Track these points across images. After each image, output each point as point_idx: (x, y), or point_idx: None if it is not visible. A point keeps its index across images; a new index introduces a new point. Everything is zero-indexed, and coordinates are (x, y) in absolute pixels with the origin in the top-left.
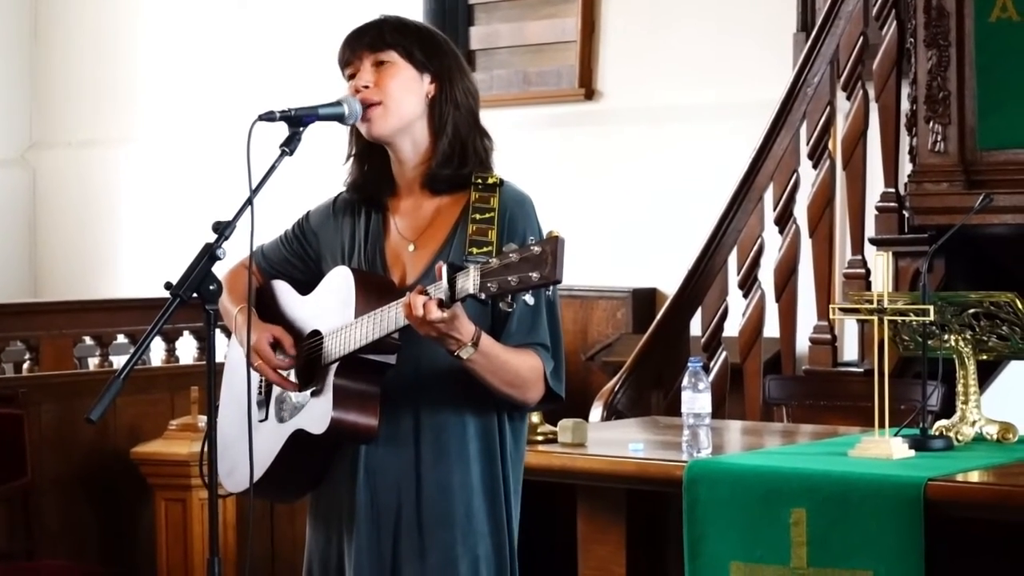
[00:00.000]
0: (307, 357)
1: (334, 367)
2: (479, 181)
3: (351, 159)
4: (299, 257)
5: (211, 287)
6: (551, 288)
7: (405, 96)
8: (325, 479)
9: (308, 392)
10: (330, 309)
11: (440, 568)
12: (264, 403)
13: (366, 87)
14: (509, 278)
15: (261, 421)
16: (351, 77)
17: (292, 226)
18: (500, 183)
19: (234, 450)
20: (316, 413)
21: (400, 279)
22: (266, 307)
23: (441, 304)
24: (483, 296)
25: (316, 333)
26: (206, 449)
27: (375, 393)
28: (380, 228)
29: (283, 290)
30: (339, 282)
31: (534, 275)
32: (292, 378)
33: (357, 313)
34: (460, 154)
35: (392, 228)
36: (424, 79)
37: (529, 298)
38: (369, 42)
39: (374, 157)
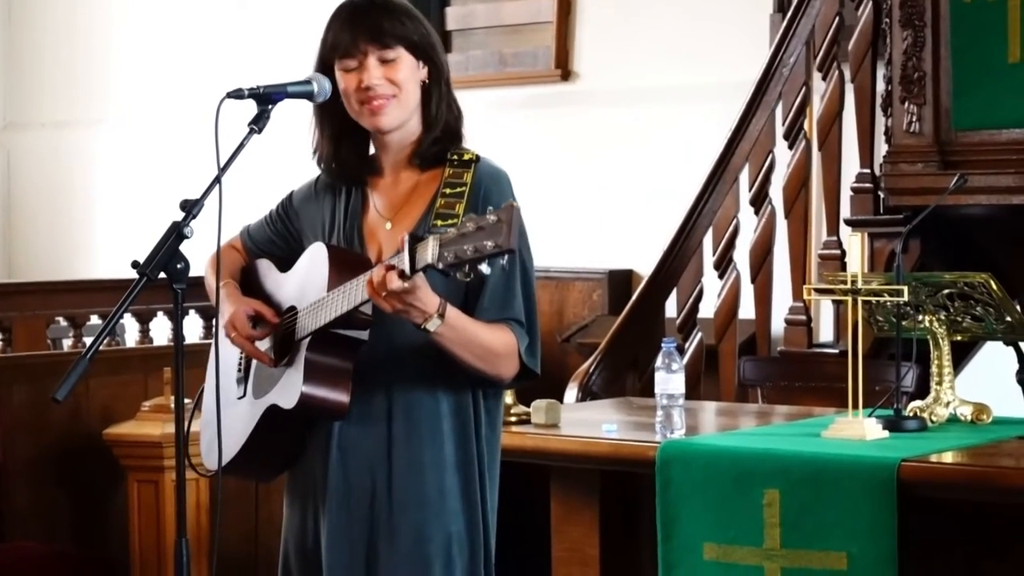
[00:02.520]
0: (284, 333)
1: (306, 342)
2: (455, 158)
3: (323, 140)
4: (282, 236)
5: (179, 266)
6: (505, 257)
7: (411, 87)
8: (300, 457)
9: (283, 367)
10: (306, 285)
11: (412, 546)
12: (243, 380)
13: (379, 83)
14: (465, 247)
15: (239, 398)
16: (353, 67)
17: (276, 206)
18: (476, 159)
19: (214, 427)
20: (287, 388)
21: (376, 256)
22: (250, 285)
23: (403, 275)
24: (441, 266)
25: (293, 309)
26: (195, 428)
27: (347, 369)
28: (359, 206)
29: (265, 268)
30: (314, 258)
31: (489, 243)
32: (267, 353)
33: (329, 288)
34: (447, 130)
35: (370, 206)
36: (420, 65)
37: (485, 267)
38: (371, 36)
39: (350, 138)
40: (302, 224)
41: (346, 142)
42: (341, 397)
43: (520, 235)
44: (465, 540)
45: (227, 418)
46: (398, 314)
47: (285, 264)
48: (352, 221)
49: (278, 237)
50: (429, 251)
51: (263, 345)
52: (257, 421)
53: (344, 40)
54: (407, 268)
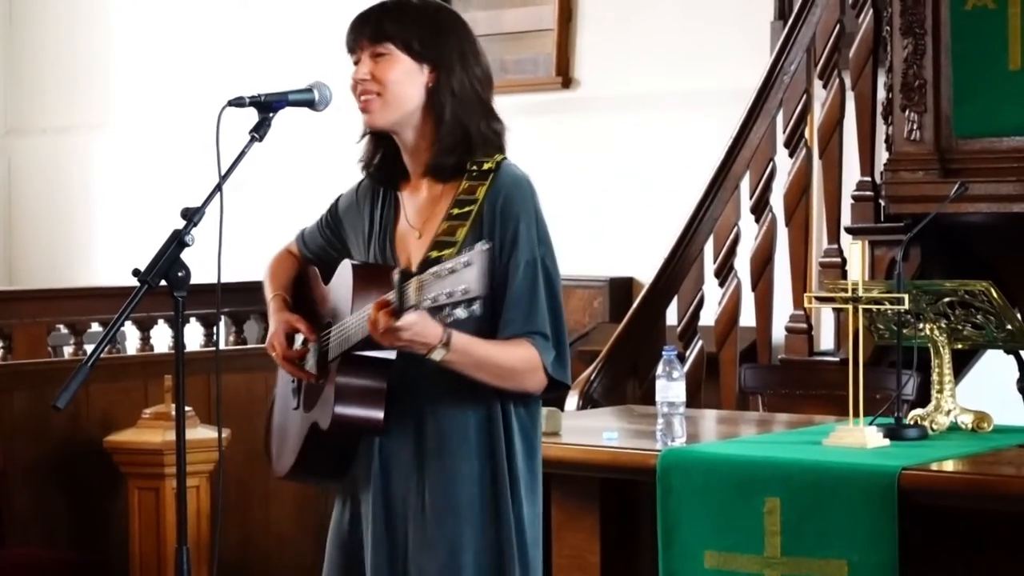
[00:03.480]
0: (323, 348)
1: (336, 364)
2: (473, 168)
3: (365, 138)
4: (331, 243)
5: (179, 274)
6: (476, 303)
7: (402, 88)
8: (353, 464)
9: (323, 383)
10: (338, 303)
11: (444, 557)
12: (297, 392)
13: (364, 79)
14: (442, 292)
15: (294, 409)
16: (353, 64)
17: (326, 211)
18: (496, 167)
19: (281, 436)
20: (324, 408)
21: (406, 266)
22: (299, 293)
23: (395, 314)
24: (424, 307)
25: (331, 325)
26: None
27: (379, 387)
28: (391, 215)
29: (313, 278)
30: (342, 277)
31: (459, 289)
32: (312, 368)
33: (352, 309)
34: (464, 142)
35: (402, 215)
36: (423, 69)
37: (461, 312)
38: (369, 33)
39: (390, 141)
40: (346, 231)
41: (386, 144)
42: (374, 415)
43: (543, 243)
44: (495, 552)
45: (288, 426)
46: (401, 349)
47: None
48: (385, 230)
49: (328, 244)
50: (412, 292)
51: (310, 357)
52: (304, 436)
53: (349, 38)
54: (396, 306)
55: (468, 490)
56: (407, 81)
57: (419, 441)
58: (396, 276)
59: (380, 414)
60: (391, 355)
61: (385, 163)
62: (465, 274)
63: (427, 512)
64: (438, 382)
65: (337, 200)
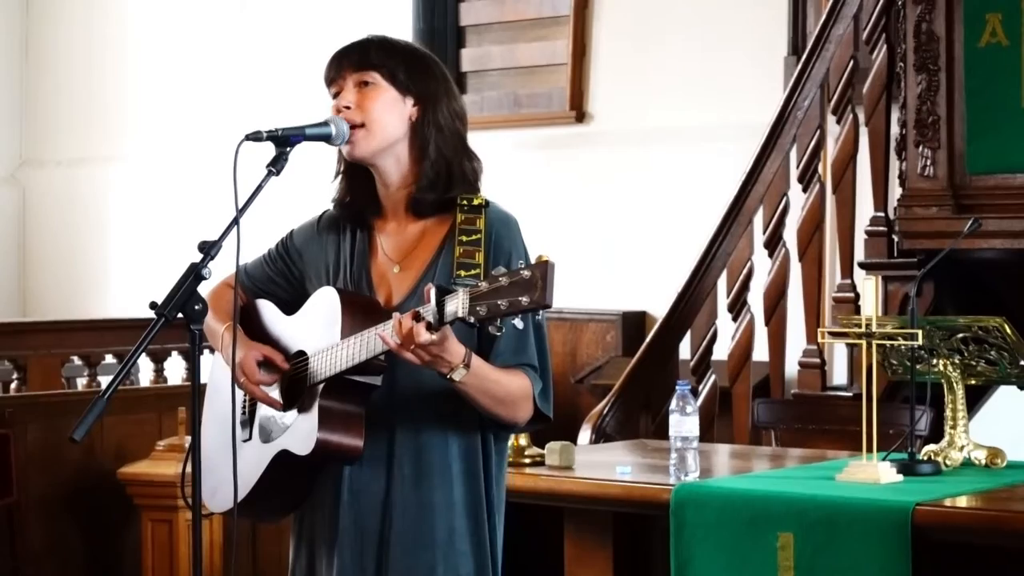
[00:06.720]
0: (292, 377)
1: (320, 388)
2: (464, 203)
3: (339, 176)
4: (283, 276)
5: (196, 307)
6: (540, 312)
7: (386, 118)
8: (309, 499)
9: (293, 412)
10: (315, 329)
11: None
12: (248, 423)
13: (347, 107)
14: (499, 302)
15: (245, 441)
16: (336, 95)
17: (276, 245)
18: (485, 204)
19: (217, 470)
20: (301, 434)
21: (386, 300)
22: (250, 326)
23: (430, 327)
24: (472, 319)
25: (301, 353)
26: (189, 469)
27: (360, 414)
28: (366, 248)
29: (267, 309)
30: (325, 303)
31: (524, 299)
32: (277, 398)
33: (343, 334)
34: (446, 178)
35: (378, 248)
36: (407, 101)
37: (518, 322)
38: (354, 61)
39: (361, 175)
40: (305, 264)
41: (357, 179)
42: (355, 442)
43: None
44: None
45: (229, 460)
46: (425, 365)
47: (286, 304)
48: (360, 263)
49: (279, 276)
50: (459, 304)
51: (271, 390)
52: (267, 465)
53: (330, 67)
54: (434, 320)
55: (448, 521)
56: (391, 111)
57: (398, 471)
58: (432, 291)
59: (360, 442)
60: (377, 381)
61: (358, 197)
62: (528, 284)
63: (405, 543)
64: (417, 410)
65: (290, 233)
